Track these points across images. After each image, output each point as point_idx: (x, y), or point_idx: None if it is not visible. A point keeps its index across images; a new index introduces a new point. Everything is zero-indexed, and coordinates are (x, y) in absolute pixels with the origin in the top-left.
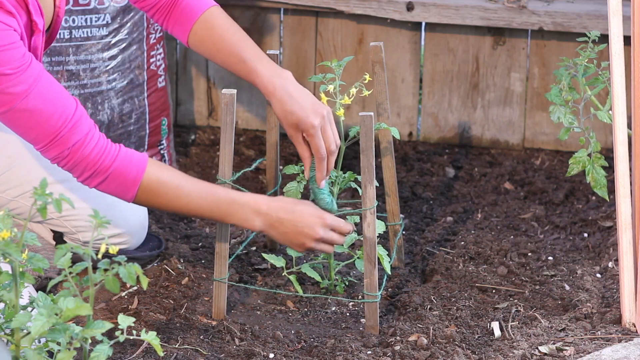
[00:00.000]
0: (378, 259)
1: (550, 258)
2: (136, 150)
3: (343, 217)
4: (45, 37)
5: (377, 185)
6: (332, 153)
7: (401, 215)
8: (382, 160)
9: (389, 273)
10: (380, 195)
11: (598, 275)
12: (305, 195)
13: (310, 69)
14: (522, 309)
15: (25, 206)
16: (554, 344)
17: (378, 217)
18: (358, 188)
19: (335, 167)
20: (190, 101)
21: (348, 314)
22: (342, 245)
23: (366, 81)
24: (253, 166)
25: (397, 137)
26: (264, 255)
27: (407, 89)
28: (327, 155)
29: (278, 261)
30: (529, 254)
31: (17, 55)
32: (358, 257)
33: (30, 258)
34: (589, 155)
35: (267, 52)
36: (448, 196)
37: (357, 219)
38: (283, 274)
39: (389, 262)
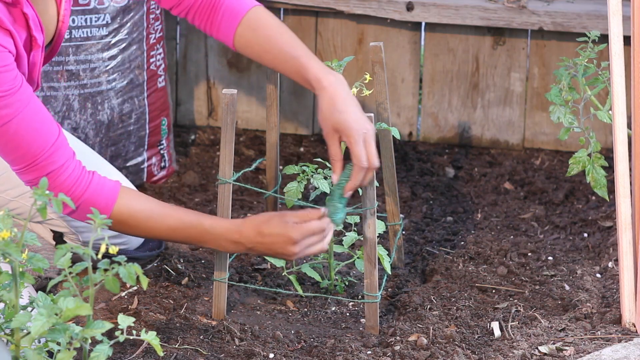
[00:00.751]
0: (378, 259)
1: (550, 258)
2: (109, 179)
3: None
4: (46, 52)
5: (377, 185)
6: (372, 168)
7: (401, 215)
8: (382, 160)
9: (389, 273)
10: (380, 195)
11: (598, 275)
12: (305, 196)
13: None
14: (522, 309)
15: (25, 206)
16: (554, 344)
17: (378, 217)
18: (359, 188)
19: None
20: (190, 101)
21: (348, 314)
22: (326, 246)
23: (366, 81)
24: (253, 166)
25: (398, 137)
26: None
27: (407, 89)
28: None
29: (278, 261)
30: (529, 254)
31: (8, 79)
32: (358, 257)
33: (30, 258)
34: (589, 155)
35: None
36: (448, 196)
37: (357, 218)
38: (283, 274)
39: (389, 262)
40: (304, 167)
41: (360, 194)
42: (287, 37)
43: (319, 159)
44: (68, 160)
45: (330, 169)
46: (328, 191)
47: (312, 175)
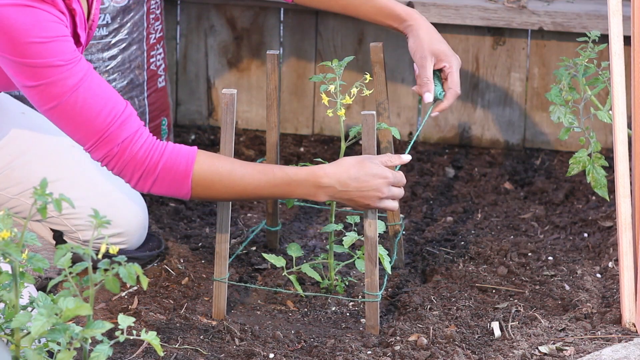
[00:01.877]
0: (378, 258)
1: (550, 258)
2: (184, 145)
3: (343, 215)
4: None
5: None
6: (458, 95)
7: (401, 215)
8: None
9: (390, 273)
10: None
11: (598, 275)
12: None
13: (310, 69)
14: (522, 309)
15: (26, 204)
16: (554, 344)
17: (378, 217)
18: None
19: None
20: (190, 101)
21: (348, 314)
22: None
23: (367, 81)
24: None
25: (398, 137)
26: (264, 255)
27: (407, 89)
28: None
29: (278, 261)
30: (529, 254)
31: (69, 48)
32: (358, 257)
33: (30, 258)
34: (589, 155)
35: (267, 52)
36: (448, 196)
37: (357, 218)
38: (283, 274)
39: (390, 262)
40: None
41: None
42: None
43: (319, 159)
44: (140, 127)
45: None
46: None
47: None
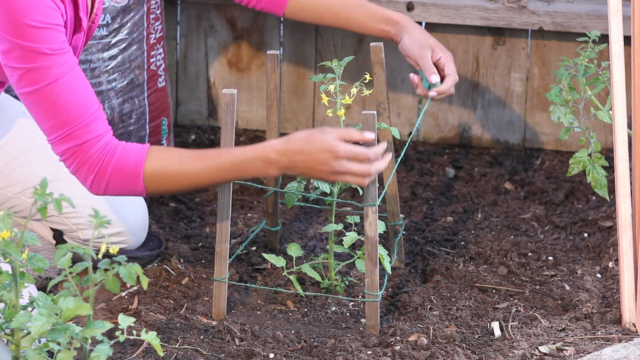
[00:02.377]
0: (379, 258)
1: (550, 258)
2: (137, 143)
3: (344, 215)
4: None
5: (377, 185)
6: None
7: (401, 215)
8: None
9: (390, 273)
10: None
11: (598, 275)
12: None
13: (310, 69)
14: (522, 309)
15: (26, 203)
16: (554, 344)
17: (378, 217)
18: (359, 188)
19: None
20: (190, 101)
21: (348, 314)
22: (366, 175)
23: (366, 81)
24: None
25: (398, 137)
26: (264, 255)
27: (407, 89)
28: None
29: (278, 261)
30: (529, 254)
31: (59, 39)
32: (358, 257)
33: (30, 258)
34: (589, 155)
35: (267, 52)
36: (448, 196)
37: (357, 218)
38: (283, 274)
39: (390, 262)
40: None
41: (362, 194)
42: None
43: None
44: (105, 133)
45: None
46: (328, 191)
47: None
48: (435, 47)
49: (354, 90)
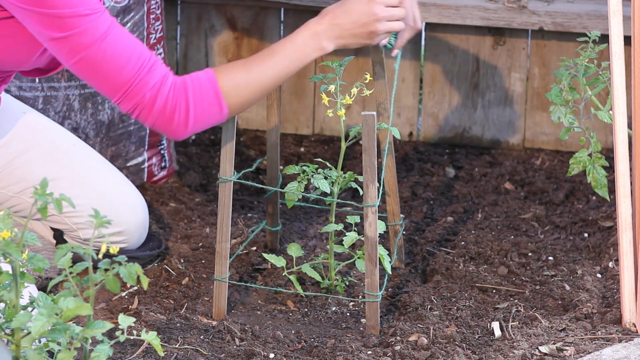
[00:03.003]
0: (379, 258)
1: (550, 258)
2: (197, 71)
3: (344, 215)
4: None
5: (377, 185)
6: (418, 29)
7: (401, 216)
8: (383, 160)
9: (390, 273)
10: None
11: (598, 275)
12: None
13: (310, 69)
14: (522, 309)
15: (27, 202)
16: (554, 344)
17: (378, 217)
18: (359, 188)
19: (336, 167)
20: None
21: (348, 314)
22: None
23: (367, 81)
24: (254, 166)
25: (398, 137)
26: (265, 255)
27: (407, 89)
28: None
29: (278, 261)
30: (529, 254)
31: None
32: (358, 257)
33: (31, 258)
34: (590, 155)
35: None
36: (448, 196)
37: (357, 218)
38: (283, 274)
39: (390, 262)
40: (304, 167)
41: (362, 194)
42: None
43: (319, 159)
44: (167, 74)
45: (330, 169)
46: (328, 191)
47: (312, 175)
48: None
49: (354, 90)
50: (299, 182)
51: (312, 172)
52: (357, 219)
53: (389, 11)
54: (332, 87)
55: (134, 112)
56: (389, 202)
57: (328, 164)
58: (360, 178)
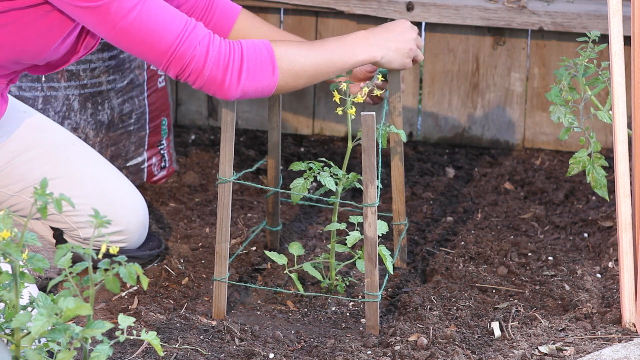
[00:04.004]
0: (380, 258)
1: (550, 258)
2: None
3: (346, 215)
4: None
5: (381, 187)
6: None
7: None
8: (391, 159)
9: (391, 272)
10: (385, 194)
11: (598, 275)
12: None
13: None
14: (522, 309)
15: (27, 202)
16: (554, 344)
17: (380, 218)
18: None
19: (340, 167)
20: (190, 101)
21: (348, 314)
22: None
23: (379, 81)
24: (255, 167)
25: (404, 140)
26: (266, 252)
27: (407, 89)
28: None
29: (280, 259)
30: (529, 254)
31: None
32: (359, 257)
33: (31, 258)
34: (589, 155)
35: None
36: (448, 196)
37: (359, 218)
38: (285, 272)
39: (391, 261)
40: (311, 165)
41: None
42: (277, 29)
43: (324, 159)
44: (211, 32)
45: (335, 168)
46: (334, 189)
47: (318, 173)
48: None
49: (365, 90)
50: (305, 178)
51: (319, 169)
52: (359, 218)
53: (420, 40)
54: (343, 85)
55: (185, 70)
56: (395, 201)
57: (332, 163)
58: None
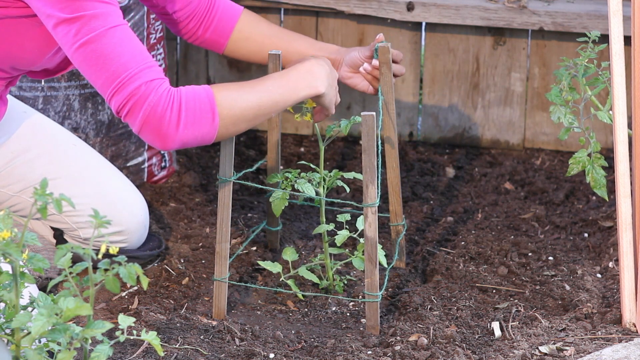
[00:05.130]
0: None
1: (550, 258)
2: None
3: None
4: None
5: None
6: None
7: (403, 216)
8: (386, 161)
9: (385, 265)
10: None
11: (598, 275)
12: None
13: None
14: (522, 309)
15: (27, 202)
16: (554, 344)
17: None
18: (345, 186)
19: (340, 168)
20: None
21: (348, 314)
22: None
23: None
24: (255, 167)
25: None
26: (260, 262)
27: (408, 89)
28: None
29: (274, 267)
30: (530, 254)
31: None
32: (354, 257)
33: (31, 258)
34: (589, 155)
35: (269, 52)
36: (448, 196)
37: (347, 216)
38: (281, 280)
39: (392, 264)
40: (287, 174)
41: (348, 191)
42: (280, 27)
43: (303, 162)
44: (164, 78)
45: (312, 172)
46: (313, 194)
47: (295, 181)
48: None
49: (306, 117)
50: (283, 189)
51: (295, 177)
52: (347, 216)
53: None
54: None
55: (125, 106)
56: (392, 203)
57: (312, 165)
58: (346, 175)
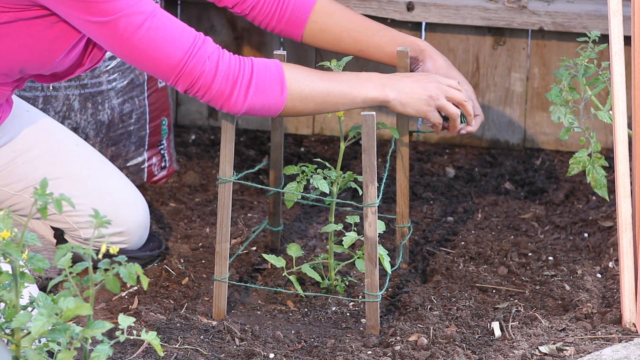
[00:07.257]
0: (378, 258)
1: (550, 258)
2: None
3: (343, 215)
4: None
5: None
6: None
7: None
8: (397, 162)
9: (389, 272)
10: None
11: (598, 275)
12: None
13: None
14: (522, 309)
15: (28, 201)
16: (554, 344)
17: (380, 218)
18: (358, 188)
19: (335, 167)
20: (190, 101)
21: (348, 314)
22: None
23: None
24: (256, 168)
25: (397, 136)
26: (264, 255)
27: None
28: None
29: (278, 261)
30: (530, 254)
31: None
32: (358, 257)
33: (31, 258)
34: (589, 155)
35: (274, 53)
36: (448, 196)
37: (357, 218)
38: (283, 274)
39: (396, 266)
40: (304, 168)
41: (361, 194)
42: (360, 16)
43: (319, 159)
44: (219, 47)
45: (329, 169)
46: (327, 191)
47: (311, 176)
48: (459, 79)
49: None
50: (298, 182)
51: (312, 172)
52: (356, 219)
53: (450, 90)
54: None
55: (194, 85)
56: (399, 204)
57: (327, 164)
58: (360, 178)
